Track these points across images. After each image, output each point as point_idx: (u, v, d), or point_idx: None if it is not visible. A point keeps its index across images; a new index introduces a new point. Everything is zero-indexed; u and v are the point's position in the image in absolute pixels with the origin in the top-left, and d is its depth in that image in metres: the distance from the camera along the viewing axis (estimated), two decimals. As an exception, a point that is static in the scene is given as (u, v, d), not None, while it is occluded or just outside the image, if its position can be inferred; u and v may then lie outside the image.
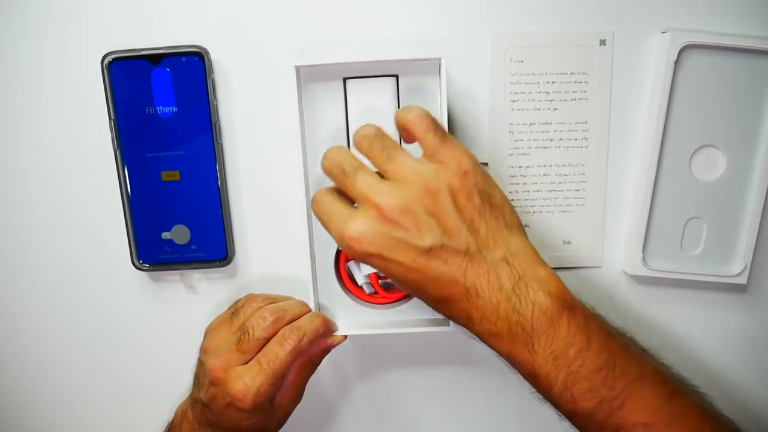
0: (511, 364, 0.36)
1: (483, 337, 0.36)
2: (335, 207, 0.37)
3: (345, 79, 0.45)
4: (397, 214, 0.34)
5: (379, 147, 0.37)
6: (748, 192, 0.49)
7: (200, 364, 0.44)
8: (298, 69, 0.43)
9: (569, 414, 0.35)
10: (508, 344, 0.35)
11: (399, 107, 0.45)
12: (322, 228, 0.45)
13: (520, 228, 0.37)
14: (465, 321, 0.36)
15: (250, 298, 0.47)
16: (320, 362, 0.46)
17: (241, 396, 0.40)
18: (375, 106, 0.45)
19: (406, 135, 0.38)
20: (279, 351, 0.41)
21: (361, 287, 0.48)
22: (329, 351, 0.46)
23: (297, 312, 0.44)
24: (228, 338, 0.43)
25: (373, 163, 0.37)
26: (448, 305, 0.36)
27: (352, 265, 0.47)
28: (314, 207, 0.38)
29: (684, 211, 0.49)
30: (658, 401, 0.34)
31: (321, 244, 0.47)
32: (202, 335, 0.47)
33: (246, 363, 0.42)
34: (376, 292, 0.47)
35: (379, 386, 0.54)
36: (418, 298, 0.37)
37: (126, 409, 0.55)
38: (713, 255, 0.50)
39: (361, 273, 0.47)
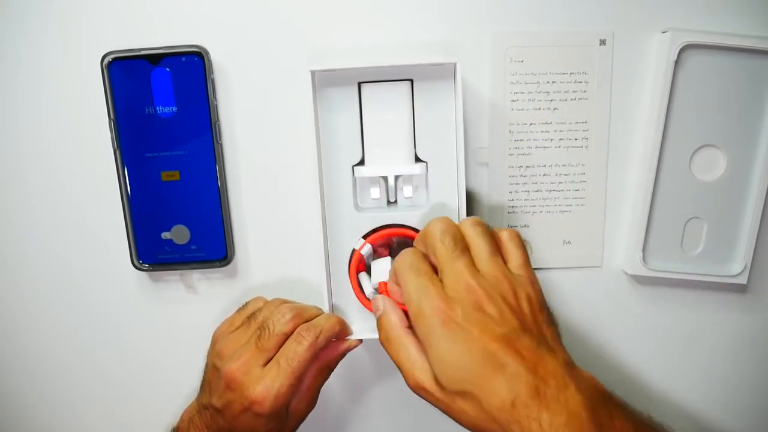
0: None
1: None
2: (426, 273, 0.38)
3: (360, 84, 0.45)
4: (485, 297, 0.36)
5: (484, 242, 0.38)
6: (748, 192, 0.49)
7: (214, 369, 0.44)
8: (313, 73, 0.43)
9: None
10: None
11: (414, 112, 0.45)
12: (334, 233, 0.46)
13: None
14: (535, 426, 0.33)
15: (268, 301, 0.47)
16: (335, 368, 0.46)
17: (261, 399, 0.40)
18: (390, 111, 0.45)
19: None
20: (297, 348, 0.41)
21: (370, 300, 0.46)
22: (344, 355, 0.46)
23: (314, 312, 0.45)
24: (245, 340, 0.43)
25: (474, 255, 0.38)
26: (516, 407, 0.34)
27: (362, 276, 0.46)
28: (403, 262, 0.39)
29: (684, 211, 0.49)
30: None
31: (332, 250, 0.46)
32: (210, 339, 0.46)
33: (265, 363, 0.42)
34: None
35: (393, 391, 0.54)
36: (473, 407, 0.35)
37: (126, 409, 0.55)
38: (713, 255, 0.50)
39: (371, 284, 0.45)
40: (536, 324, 0.36)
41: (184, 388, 0.51)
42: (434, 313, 0.35)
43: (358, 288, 0.46)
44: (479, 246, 0.38)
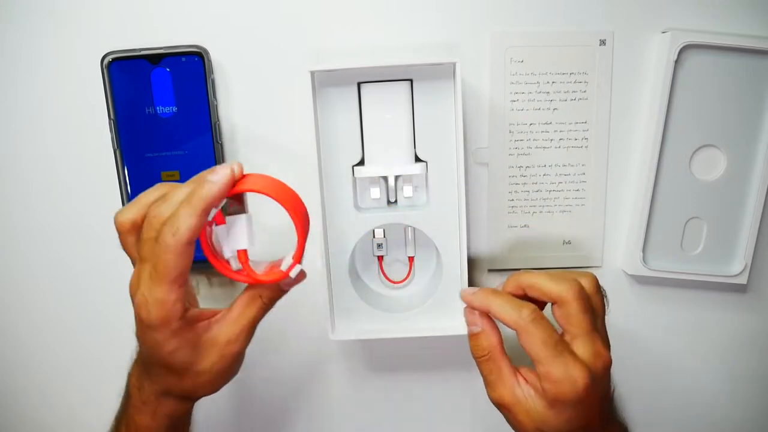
0: None
1: None
2: (564, 350, 0.37)
3: (359, 84, 0.45)
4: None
5: (586, 325, 0.38)
6: (748, 192, 0.49)
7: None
8: (313, 74, 0.43)
9: None
10: None
11: (414, 112, 0.45)
12: (334, 233, 0.46)
13: None
14: None
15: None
16: (273, 304, 0.40)
17: (141, 308, 0.36)
18: (389, 111, 0.45)
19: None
20: (159, 252, 0.34)
21: (227, 261, 0.39)
22: (285, 292, 0.40)
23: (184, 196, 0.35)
24: (135, 261, 0.38)
25: (571, 325, 0.38)
26: None
27: (220, 230, 0.38)
28: (536, 336, 0.38)
29: (684, 211, 0.49)
30: None
31: (332, 250, 0.46)
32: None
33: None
34: (242, 269, 0.38)
35: (392, 389, 0.54)
36: None
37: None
38: (713, 255, 0.50)
39: (229, 246, 0.38)
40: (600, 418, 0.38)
41: (184, 388, 0.51)
42: (575, 395, 0.36)
43: (210, 249, 0.38)
44: (582, 327, 0.38)
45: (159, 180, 0.48)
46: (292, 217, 0.37)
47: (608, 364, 0.37)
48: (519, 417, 0.38)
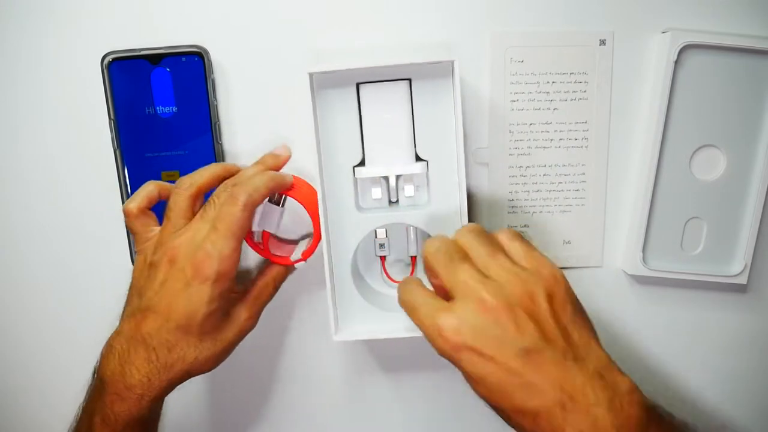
0: None
1: None
2: (425, 297, 0.36)
3: (358, 84, 0.45)
4: (501, 311, 0.33)
5: (480, 243, 0.37)
6: (748, 192, 0.49)
7: (149, 266, 0.41)
8: (311, 75, 0.43)
9: None
10: None
11: (413, 111, 0.45)
12: (336, 234, 0.46)
13: (598, 338, 0.36)
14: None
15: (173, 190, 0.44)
16: (278, 286, 0.47)
17: (205, 261, 0.39)
18: (389, 110, 0.45)
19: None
20: (232, 209, 0.40)
21: (253, 233, 0.46)
22: (289, 272, 0.47)
23: (254, 173, 0.43)
24: (180, 226, 0.41)
25: (474, 259, 0.36)
26: (537, 419, 0.33)
27: (258, 209, 0.45)
28: (401, 294, 0.38)
29: (684, 211, 0.49)
30: None
31: (335, 251, 0.46)
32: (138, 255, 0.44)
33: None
34: (261, 244, 0.47)
35: (395, 390, 0.54)
36: (494, 406, 0.35)
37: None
38: (713, 255, 0.50)
39: (260, 225, 0.46)
40: (560, 327, 0.34)
41: (183, 386, 0.50)
42: (447, 345, 0.34)
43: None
44: (477, 249, 0.36)
45: (159, 180, 0.48)
46: (314, 226, 0.45)
47: (482, 300, 0.34)
48: (462, 367, 0.35)
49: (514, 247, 0.37)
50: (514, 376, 0.33)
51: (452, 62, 0.42)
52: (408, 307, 0.37)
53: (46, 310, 0.53)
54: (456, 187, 0.45)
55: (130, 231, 0.44)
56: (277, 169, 0.45)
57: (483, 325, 0.33)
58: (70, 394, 0.54)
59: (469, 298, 0.34)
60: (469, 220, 0.46)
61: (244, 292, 0.45)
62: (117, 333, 0.41)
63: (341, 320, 0.46)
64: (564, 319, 0.34)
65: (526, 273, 0.35)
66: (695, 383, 0.53)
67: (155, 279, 0.40)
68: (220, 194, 0.41)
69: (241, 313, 0.44)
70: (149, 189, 0.43)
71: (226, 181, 0.43)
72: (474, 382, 0.34)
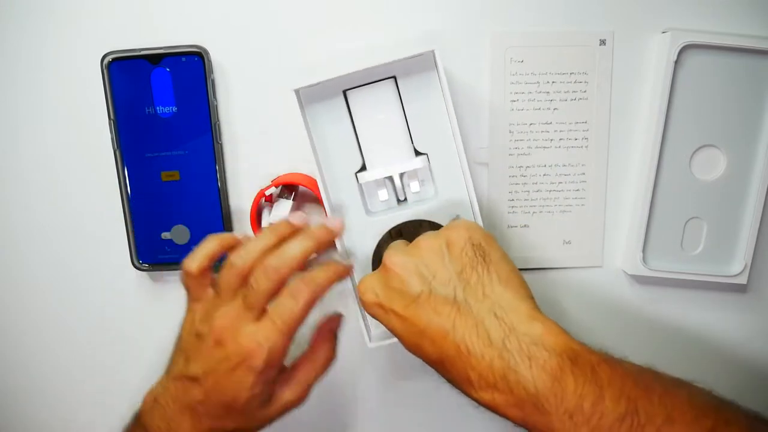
0: (530, 431, 0.34)
1: (490, 406, 0.34)
2: (374, 276, 0.40)
3: (345, 91, 0.44)
4: (396, 267, 0.38)
5: (427, 235, 0.40)
6: (748, 192, 0.49)
7: (195, 336, 0.41)
8: (297, 92, 0.43)
9: None
10: (517, 409, 0.33)
11: (404, 108, 0.45)
12: (351, 242, 0.46)
13: (521, 287, 0.37)
14: (467, 387, 0.35)
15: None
16: (329, 368, 0.44)
17: (255, 351, 0.38)
18: (380, 111, 0.45)
19: None
20: (292, 305, 0.38)
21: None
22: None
23: (300, 253, 0.40)
24: (230, 300, 0.40)
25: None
26: (446, 366, 0.35)
27: (267, 206, 0.48)
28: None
29: (684, 211, 0.49)
30: None
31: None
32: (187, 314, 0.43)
33: (256, 320, 0.39)
34: None
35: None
36: (423, 360, 0.38)
37: (126, 409, 0.54)
38: (713, 255, 0.50)
39: (269, 219, 0.48)
40: (456, 271, 0.37)
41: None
42: (367, 308, 0.39)
43: (256, 222, 0.48)
44: (424, 237, 0.40)
45: (159, 180, 0.48)
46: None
47: (385, 264, 0.39)
48: (388, 327, 0.39)
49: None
50: (412, 324, 0.36)
51: (432, 52, 0.42)
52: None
53: (46, 310, 0.53)
54: (460, 175, 0.45)
55: (184, 286, 0.42)
56: (326, 245, 0.42)
57: (383, 283, 0.38)
58: (70, 394, 0.55)
59: (383, 267, 0.39)
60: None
61: (293, 369, 0.43)
62: (164, 389, 0.41)
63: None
64: (460, 264, 0.37)
65: (435, 234, 0.39)
66: (695, 383, 0.53)
67: (201, 353, 0.40)
68: (259, 279, 0.39)
69: (286, 395, 0.42)
70: (210, 247, 0.41)
71: (266, 262, 0.39)
72: (398, 338, 0.38)
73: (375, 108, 0.45)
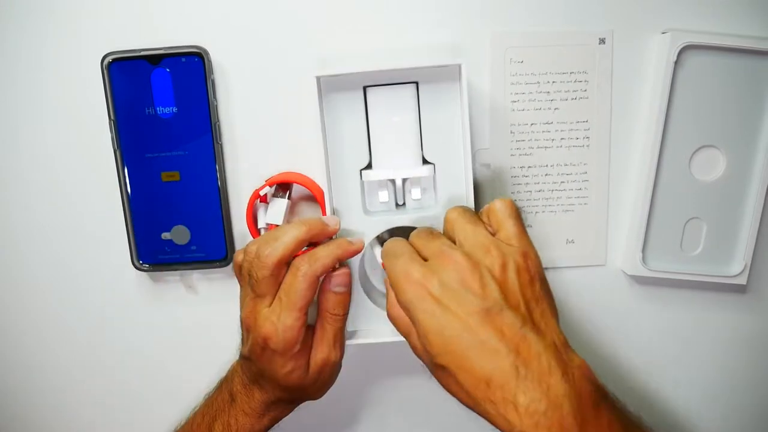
0: None
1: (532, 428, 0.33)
2: (411, 251, 0.39)
3: (365, 88, 0.44)
4: (467, 269, 0.35)
5: (465, 219, 0.39)
6: (748, 192, 0.49)
7: (240, 321, 0.45)
8: (319, 79, 0.43)
9: None
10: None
11: (420, 114, 0.45)
12: (342, 233, 0.45)
13: (559, 322, 0.37)
14: (510, 409, 0.32)
15: (246, 249, 0.44)
16: (347, 313, 0.45)
17: (270, 335, 0.41)
18: (396, 113, 0.45)
19: (487, 221, 0.40)
20: (292, 281, 0.41)
21: (259, 230, 0.49)
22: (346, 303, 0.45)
23: (291, 239, 0.42)
24: (246, 291, 0.44)
25: (456, 232, 0.39)
26: (490, 385, 0.33)
27: (262, 206, 0.48)
28: (388, 243, 0.41)
29: (684, 211, 0.49)
30: None
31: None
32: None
33: (270, 304, 0.42)
34: None
35: (401, 393, 0.54)
36: (444, 369, 0.35)
37: (126, 409, 0.54)
38: (713, 255, 0.50)
39: (265, 219, 0.48)
40: (524, 299, 0.35)
41: (184, 387, 0.51)
42: (411, 288, 0.36)
43: (252, 222, 0.48)
44: (459, 223, 0.39)
45: (159, 180, 0.48)
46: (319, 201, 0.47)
47: (451, 258, 0.36)
48: (420, 316, 0.36)
49: (504, 223, 0.38)
50: (471, 333, 0.34)
51: (459, 66, 0.42)
52: (389, 254, 0.40)
53: (46, 310, 0.53)
54: (463, 189, 0.45)
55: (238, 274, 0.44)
56: (320, 236, 0.43)
57: (449, 278, 0.35)
58: (70, 394, 0.54)
59: (441, 257, 0.37)
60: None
61: (315, 333, 0.44)
62: (244, 359, 0.45)
63: (350, 324, 0.46)
64: (528, 294, 0.36)
65: (501, 244, 0.37)
66: (694, 383, 0.54)
67: (243, 337, 0.44)
68: (254, 268, 0.41)
69: (317, 358, 0.44)
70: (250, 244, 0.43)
71: (258, 251, 0.42)
72: (431, 334, 0.35)
73: (392, 110, 0.45)
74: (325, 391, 0.47)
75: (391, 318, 0.40)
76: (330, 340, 0.44)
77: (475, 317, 0.34)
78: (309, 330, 0.44)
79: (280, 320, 0.41)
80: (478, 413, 0.34)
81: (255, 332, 0.42)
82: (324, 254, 0.42)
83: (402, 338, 0.45)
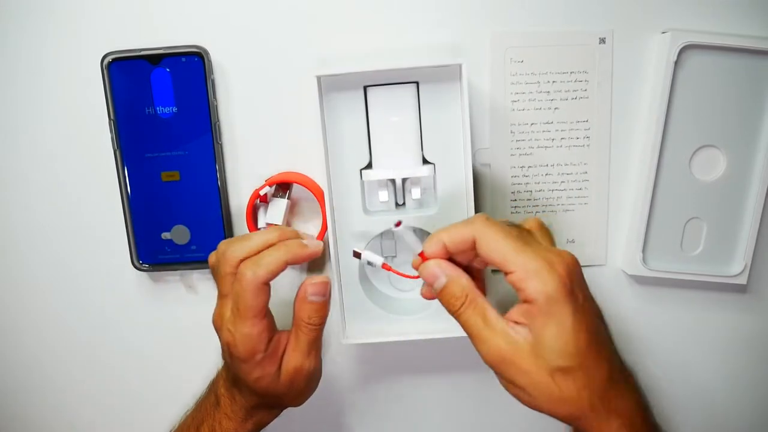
0: None
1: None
2: (531, 241, 0.37)
3: (365, 87, 0.44)
4: (577, 281, 0.35)
5: (516, 229, 0.38)
6: (748, 192, 0.49)
7: None
8: (319, 79, 0.43)
9: None
10: None
11: (420, 114, 0.45)
12: (342, 236, 0.46)
13: None
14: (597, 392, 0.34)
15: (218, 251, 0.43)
16: (324, 323, 0.43)
17: (230, 342, 0.40)
18: (396, 113, 0.45)
19: None
20: (239, 289, 0.39)
21: (258, 230, 0.48)
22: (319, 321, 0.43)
23: (260, 242, 0.41)
24: (218, 291, 0.42)
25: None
26: (586, 363, 0.34)
27: (263, 206, 0.48)
28: (483, 221, 0.36)
29: (684, 211, 0.49)
30: None
31: (341, 253, 0.46)
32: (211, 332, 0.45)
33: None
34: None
35: (401, 392, 0.54)
36: (570, 379, 0.34)
37: (126, 409, 0.54)
38: (713, 255, 0.50)
39: (265, 219, 0.48)
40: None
41: (183, 387, 0.51)
42: (561, 282, 0.33)
43: (252, 222, 0.48)
44: (517, 233, 0.37)
45: (159, 180, 0.48)
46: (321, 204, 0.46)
47: (569, 266, 0.34)
48: (525, 365, 0.33)
49: (540, 236, 0.39)
50: (596, 337, 0.35)
51: (460, 65, 0.42)
52: (502, 240, 0.35)
53: (46, 310, 0.53)
54: (463, 189, 0.45)
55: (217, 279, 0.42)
56: (298, 260, 0.41)
57: (580, 287, 0.35)
58: (70, 394, 0.54)
59: (560, 262, 0.34)
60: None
61: (289, 338, 0.43)
62: (224, 362, 0.45)
63: (349, 323, 0.46)
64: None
65: (573, 258, 0.36)
66: (694, 384, 0.54)
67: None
68: (223, 266, 0.40)
69: (289, 366, 0.42)
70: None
71: (227, 252, 0.41)
72: (569, 331, 0.33)
73: (392, 109, 0.45)
74: (305, 399, 0.45)
75: (469, 307, 0.36)
76: (303, 349, 0.42)
77: (596, 322, 0.36)
78: (283, 336, 0.43)
79: (237, 329, 0.40)
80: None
81: (220, 337, 0.41)
82: (270, 259, 0.39)
83: (401, 338, 0.45)
